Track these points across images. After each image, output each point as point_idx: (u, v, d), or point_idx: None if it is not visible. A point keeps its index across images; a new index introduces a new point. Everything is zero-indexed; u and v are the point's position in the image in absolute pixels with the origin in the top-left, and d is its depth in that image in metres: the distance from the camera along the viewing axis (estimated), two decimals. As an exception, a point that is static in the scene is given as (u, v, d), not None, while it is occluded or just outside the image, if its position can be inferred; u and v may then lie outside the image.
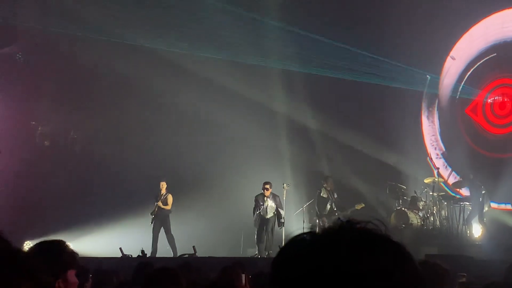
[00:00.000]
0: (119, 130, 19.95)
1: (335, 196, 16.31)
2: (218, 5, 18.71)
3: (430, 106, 20.25)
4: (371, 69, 19.34)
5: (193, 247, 13.57)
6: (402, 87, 19.21)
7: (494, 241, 14.31)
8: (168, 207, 16.54)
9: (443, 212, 17.08)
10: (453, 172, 18.78)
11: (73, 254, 3.53)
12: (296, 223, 18.04)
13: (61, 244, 3.54)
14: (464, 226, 16.15)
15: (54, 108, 19.79)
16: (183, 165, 18.91)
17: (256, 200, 15.64)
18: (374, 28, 19.15)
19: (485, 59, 18.84)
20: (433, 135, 20.03)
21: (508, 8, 18.41)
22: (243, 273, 7.20)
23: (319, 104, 19.54)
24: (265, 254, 14.91)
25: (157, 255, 15.64)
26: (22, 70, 19.33)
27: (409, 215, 16.51)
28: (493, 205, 16.19)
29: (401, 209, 16.83)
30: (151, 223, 16.50)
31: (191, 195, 17.38)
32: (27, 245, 13.86)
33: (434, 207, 16.98)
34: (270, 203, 15.45)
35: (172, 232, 16.48)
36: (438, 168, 17.62)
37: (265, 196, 15.50)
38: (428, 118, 20.26)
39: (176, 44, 19.47)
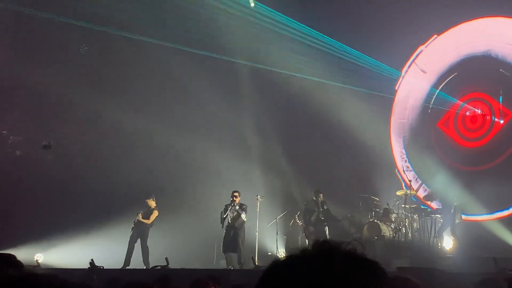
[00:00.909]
0: (93, 140, 19.80)
1: (325, 207, 16.43)
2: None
3: (400, 119, 20.43)
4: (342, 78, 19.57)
5: (166, 258, 13.46)
6: (373, 94, 19.44)
7: (465, 253, 14.41)
8: (148, 222, 16.45)
9: (415, 225, 17.21)
10: (424, 185, 18.93)
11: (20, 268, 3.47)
12: (269, 234, 18.05)
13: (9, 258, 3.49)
14: (435, 239, 16.27)
15: (25, 118, 19.59)
16: (155, 178, 18.84)
17: (225, 205, 15.68)
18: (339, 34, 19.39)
19: (457, 73, 19.06)
20: (403, 147, 20.19)
21: (476, 19, 18.63)
22: (215, 287, 7.15)
23: (289, 119, 19.80)
24: (237, 266, 14.85)
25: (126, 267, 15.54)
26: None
27: (381, 227, 16.60)
28: (465, 217, 16.32)
29: (373, 221, 16.92)
30: (131, 230, 16.44)
31: (164, 207, 17.25)
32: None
33: (406, 219, 17.09)
34: (237, 211, 15.45)
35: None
36: (410, 181, 17.75)
37: (234, 203, 15.52)
38: (398, 132, 20.42)
39: (148, 49, 19.51)
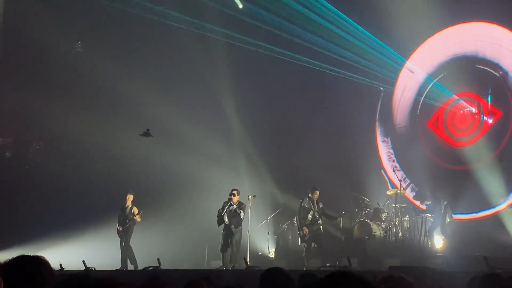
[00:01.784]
0: (82, 141, 19.76)
1: (320, 205, 16.00)
2: None
3: (386, 118, 20.51)
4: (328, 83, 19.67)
5: (158, 259, 13.44)
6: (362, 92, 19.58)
7: (456, 252, 14.48)
8: (139, 219, 16.50)
9: (405, 224, 17.28)
10: (412, 185, 19.01)
11: (52, 272, 3.48)
12: (260, 235, 18.09)
13: (41, 260, 3.52)
14: (426, 238, 16.34)
15: (15, 119, 19.52)
16: (147, 178, 18.84)
17: (223, 203, 15.56)
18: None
19: (445, 73, 19.14)
20: (391, 147, 20.27)
21: (464, 23, 18.77)
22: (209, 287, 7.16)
23: (280, 119, 19.87)
24: (230, 266, 14.83)
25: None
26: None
27: (372, 226, 16.67)
28: (456, 216, 16.39)
29: (364, 220, 16.98)
30: (119, 235, 16.43)
31: (155, 208, 17.29)
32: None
33: (397, 219, 17.16)
34: (235, 209, 15.34)
35: (137, 245, 16.42)
36: (400, 180, 17.81)
37: (232, 201, 15.45)
38: (384, 131, 20.50)
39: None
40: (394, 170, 18.86)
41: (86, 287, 3.56)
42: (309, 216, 15.82)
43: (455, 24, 18.93)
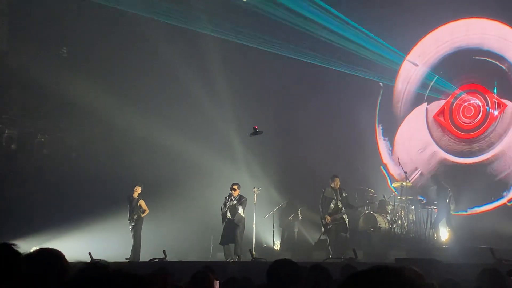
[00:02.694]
0: (91, 134, 19.79)
1: (344, 194, 15.57)
2: None
3: (387, 111, 20.47)
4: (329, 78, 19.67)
5: (164, 251, 13.49)
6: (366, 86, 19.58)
7: (461, 244, 14.47)
8: (147, 212, 16.59)
9: (410, 216, 17.26)
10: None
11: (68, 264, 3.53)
12: (266, 227, 18.10)
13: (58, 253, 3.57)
14: (431, 230, 16.31)
15: (21, 111, 19.55)
16: (151, 170, 18.84)
17: (225, 199, 15.60)
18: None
19: (451, 64, 19.09)
20: (392, 140, 20.24)
21: (469, 18, 18.73)
22: (215, 279, 7.15)
23: (285, 112, 19.91)
24: (235, 258, 14.83)
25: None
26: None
27: (377, 218, 16.66)
28: (463, 213, 16.39)
29: (369, 213, 16.97)
30: (130, 228, 16.52)
31: (160, 200, 17.29)
32: None
33: (402, 211, 17.14)
34: (235, 204, 15.36)
35: (143, 237, 16.49)
36: (406, 172, 17.78)
37: (232, 196, 15.45)
38: (384, 126, 20.46)
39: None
40: (399, 163, 18.81)
41: (107, 276, 3.58)
42: (332, 205, 15.36)
43: (458, 19, 18.87)
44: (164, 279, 4.17)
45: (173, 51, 19.34)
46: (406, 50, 19.85)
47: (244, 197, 15.58)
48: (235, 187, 15.54)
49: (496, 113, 18.25)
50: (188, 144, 19.21)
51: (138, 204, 16.53)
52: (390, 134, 20.25)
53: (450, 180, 16.63)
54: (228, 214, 15.32)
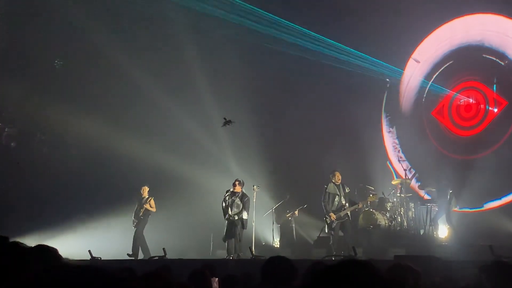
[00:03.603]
0: (90, 131, 19.78)
1: (347, 190, 15.19)
2: None
3: (392, 109, 20.49)
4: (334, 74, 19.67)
5: (163, 249, 13.51)
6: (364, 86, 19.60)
7: (461, 242, 14.47)
8: (154, 209, 16.70)
9: (410, 213, 17.26)
10: (417, 175, 18.99)
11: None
12: (265, 224, 18.11)
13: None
14: (431, 227, 16.30)
15: (20, 110, 19.54)
16: (152, 168, 18.84)
17: (225, 192, 15.55)
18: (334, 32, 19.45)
19: (451, 62, 19.09)
20: (396, 137, 20.24)
21: (470, 14, 18.71)
22: (214, 277, 7.17)
23: (284, 109, 19.91)
24: (235, 256, 14.81)
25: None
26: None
27: (377, 216, 16.66)
28: (454, 208, 16.34)
29: (369, 210, 16.96)
30: (134, 227, 16.57)
31: (160, 197, 17.29)
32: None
33: (402, 208, 17.13)
34: (236, 200, 15.28)
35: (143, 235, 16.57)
36: (405, 170, 17.78)
37: (233, 192, 15.41)
38: (389, 122, 20.48)
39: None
40: (399, 161, 18.82)
41: (132, 281, 3.67)
42: (335, 201, 14.99)
43: (461, 16, 18.87)
44: (166, 278, 4.16)
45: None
46: (412, 46, 19.86)
47: (247, 196, 15.47)
48: (236, 183, 15.46)
49: (495, 110, 18.24)
50: (187, 141, 19.24)
51: (149, 202, 16.63)
52: (394, 129, 20.28)
53: (450, 177, 16.59)
54: (229, 210, 15.27)
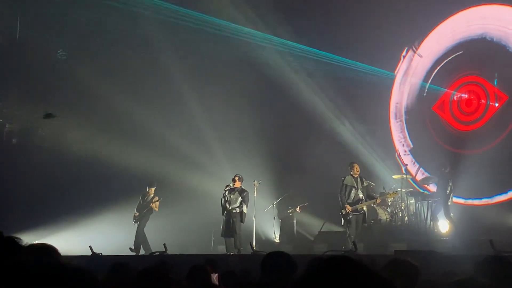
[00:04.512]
0: (91, 127, 19.81)
1: (364, 183, 14.77)
2: None
3: (397, 103, 20.49)
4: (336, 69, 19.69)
5: (164, 244, 13.52)
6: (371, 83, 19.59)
7: (461, 236, 14.46)
8: (157, 209, 16.91)
9: (411, 208, 17.25)
10: (421, 168, 19.00)
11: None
12: (266, 219, 18.12)
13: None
14: (432, 222, 16.30)
15: (22, 105, 19.56)
16: (151, 164, 18.85)
17: (225, 187, 15.54)
18: (338, 30, 19.44)
19: (452, 56, 19.07)
20: (401, 131, 20.24)
21: (473, 6, 18.66)
22: (214, 272, 7.18)
23: (285, 104, 19.91)
24: (235, 251, 14.79)
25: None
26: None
27: (377, 211, 16.65)
28: (460, 200, 16.33)
29: (370, 205, 16.93)
30: (135, 222, 16.65)
31: (161, 193, 17.31)
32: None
33: (402, 203, 17.12)
34: (235, 195, 15.25)
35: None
36: (406, 165, 17.79)
37: (233, 188, 15.41)
38: (396, 116, 20.48)
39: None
40: (403, 154, 18.80)
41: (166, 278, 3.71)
42: (352, 194, 14.50)
43: (465, 9, 18.81)
44: (163, 273, 4.13)
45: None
46: (417, 41, 19.87)
47: (246, 191, 15.40)
48: (236, 178, 15.44)
49: (496, 105, 18.22)
50: (187, 138, 19.24)
51: (152, 200, 16.71)
52: (399, 124, 20.31)
53: (451, 171, 16.57)
54: (227, 206, 15.26)
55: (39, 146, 20.07)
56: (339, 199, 14.60)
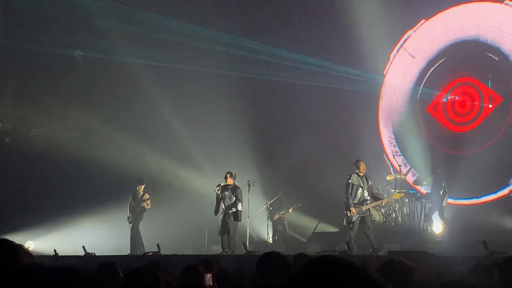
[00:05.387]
0: (85, 128, 19.77)
1: (370, 183, 14.17)
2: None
3: (388, 104, 20.49)
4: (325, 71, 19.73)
5: (157, 245, 13.48)
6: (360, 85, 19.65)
7: (455, 237, 14.48)
8: (149, 207, 16.86)
9: (404, 209, 17.26)
10: (412, 169, 19.01)
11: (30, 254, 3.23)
12: (260, 220, 18.11)
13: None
14: (425, 223, 16.31)
15: (15, 105, 19.50)
16: (146, 163, 18.83)
17: (216, 187, 15.45)
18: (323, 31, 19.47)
19: (446, 57, 19.09)
20: (392, 132, 20.25)
21: (467, 3, 18.65)
22: (208, 272, 7.16)
23: (283, 108, 19.92)
24: (229, 252, 14.75)
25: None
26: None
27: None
28: (450, 200, 16.34)
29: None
30: (129, 222, 16.62)
31: (155, 193, 17.28)
32: None
33: (396, 204, 17.13)
34: (228, 193, 15.17)
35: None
36: (400, 166, 17.80)
37: (225, 185, 15.35)
38: (386, 117, 20.48)
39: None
40: (394, 155, 18.81)
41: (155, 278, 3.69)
42: (358, 194, 13.90)
43: (458, 4, 18.81)
44: (153, 273, 4.09)
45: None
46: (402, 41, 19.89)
47: (239, 188, 15.33)
48: (228, 175, 15.35)
49: (490, 106, 18.26)
50: (181, 137, 19.22)
51: (143, 198, 16.69)
52: (390, 123, 20.31)
53: (444, 172, 16.60)
54: (222, 205, 15.17)
55: (32, 146, 19.98)
56: (346, 199, 14.02)
